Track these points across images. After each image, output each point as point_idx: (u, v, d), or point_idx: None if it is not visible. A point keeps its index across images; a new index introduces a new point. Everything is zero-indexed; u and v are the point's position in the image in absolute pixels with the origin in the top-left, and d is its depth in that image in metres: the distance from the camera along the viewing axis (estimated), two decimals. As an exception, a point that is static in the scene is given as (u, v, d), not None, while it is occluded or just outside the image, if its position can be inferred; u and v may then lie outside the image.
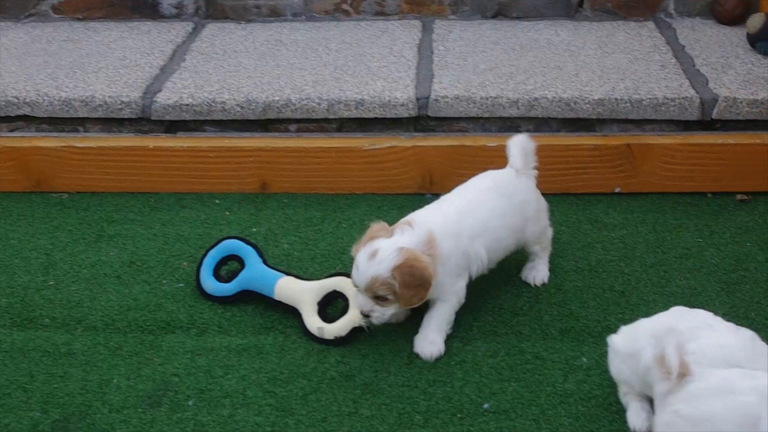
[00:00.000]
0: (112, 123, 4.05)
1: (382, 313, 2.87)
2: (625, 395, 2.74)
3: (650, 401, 2.63)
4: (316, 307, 3.09)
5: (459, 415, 2.76)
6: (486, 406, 2.79)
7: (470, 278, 3.06)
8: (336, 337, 3.02)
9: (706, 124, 3.90)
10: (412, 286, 2.82)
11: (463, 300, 3.04)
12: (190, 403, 2.83)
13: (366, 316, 2.89)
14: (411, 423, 2.73)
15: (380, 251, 2.82)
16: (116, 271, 3.46)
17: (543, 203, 3.32)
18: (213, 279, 3.28)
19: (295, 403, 2.82)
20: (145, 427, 2.74)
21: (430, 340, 2.99)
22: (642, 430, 2.65)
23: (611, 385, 2.83)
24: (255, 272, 3.24)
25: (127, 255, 3.55)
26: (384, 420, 2.75)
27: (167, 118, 3.98)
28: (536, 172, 3.28)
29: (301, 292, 3.14)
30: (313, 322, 3.06)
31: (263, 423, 2.75)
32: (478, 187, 3.19)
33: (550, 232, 3.36)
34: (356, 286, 2.87)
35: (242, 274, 3.25)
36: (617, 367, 2.72)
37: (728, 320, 2.62)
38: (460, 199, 3.12)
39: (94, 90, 4.03)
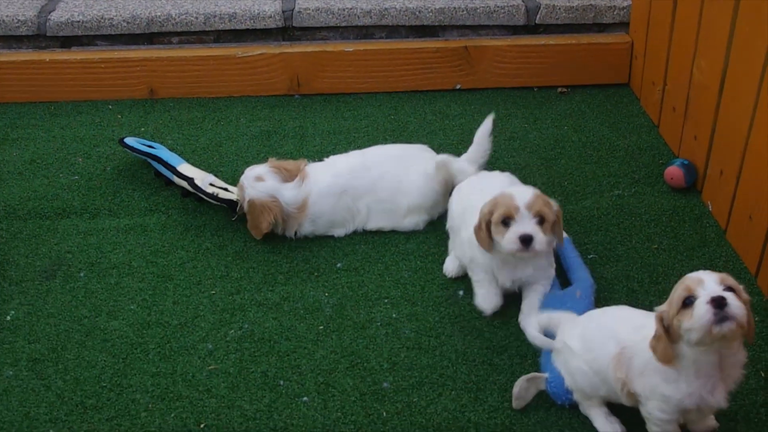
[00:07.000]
0: (11, 40, 3.83)
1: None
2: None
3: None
4: (207, 182, 3.01)
5: (315, 274, 2.76)
6: (339, 265, 2.80)
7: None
8: (226, 198, 2.95)
9: (531, 28, 3.90)
10: (252, 219, 2.85)
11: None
12: (82, 274, 2.76)
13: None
14: (274, 282, 2.73)
15: (260, 183, 2.85)
16: (18, 168, 3.32)
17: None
18: (138, 141, 3.24)
19: (174, 270, 2.78)
20: (41, 296, 2.67)
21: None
22: None
23: (445, 244, 2.85)
24: (168, 152, 3.20)
25: (28, 155, 3.41)
26: (251, 280, 2.74)
27: (61, 34, 3.79)
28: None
29: (200, 172, 3.09)
30: (206, 185, 2.99)
31: (145, 288, 2.70)
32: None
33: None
34: None
35: (158, 149, 3.21)
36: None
37: (545, 189, 2.66)
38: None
39: (-8, 10, 3.81)
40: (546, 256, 2.51)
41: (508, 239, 2.39)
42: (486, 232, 2.44)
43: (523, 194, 2.42)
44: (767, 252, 2.54)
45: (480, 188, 2.65)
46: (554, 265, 2.59)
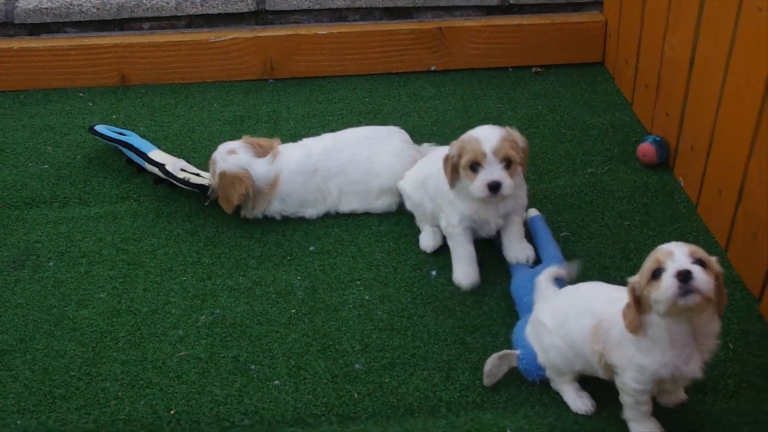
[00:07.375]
0: (-21, 29, 3.80)
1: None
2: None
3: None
4: (178, 167, 3.00)
5: (288, 258, 2.75)
6: (312, 248, 2.79)
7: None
8: (197, 183, 2.93)
9: (505, 8, 3.88)
10: (223, 191, 2.83)
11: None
12: (51, 264, 2.74)
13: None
14: (246, 266, 2.71)
15: (232, 156, 2.84)
16: (-13, 158, 3.29)
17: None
18: (108, 129, 3.21)
19: (145, 258, 2.76)
20: (9, 286, 2.65)
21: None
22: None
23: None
24: (139, 138, 3.17)
25: (-3, 145, 3.38)
26: (223, 266, 2.72)
27: (30, 21, 3.75)
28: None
29: (172, 158, 3.06)
30: (178, 170, 2.97)
31: (116, 276, 2.68)
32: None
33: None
34: None
35: (129, 136, 3.17)
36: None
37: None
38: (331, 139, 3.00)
39: (-41, -1, 3.75)
40: (519, 185, 2.54)
41: (476, 187, 2.43)
42: (452, 169, 2.47)
43: (489, 138, 2.42)
44: (736, 226, 2.54)
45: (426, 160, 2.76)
46: (525, 187, 2.64)
